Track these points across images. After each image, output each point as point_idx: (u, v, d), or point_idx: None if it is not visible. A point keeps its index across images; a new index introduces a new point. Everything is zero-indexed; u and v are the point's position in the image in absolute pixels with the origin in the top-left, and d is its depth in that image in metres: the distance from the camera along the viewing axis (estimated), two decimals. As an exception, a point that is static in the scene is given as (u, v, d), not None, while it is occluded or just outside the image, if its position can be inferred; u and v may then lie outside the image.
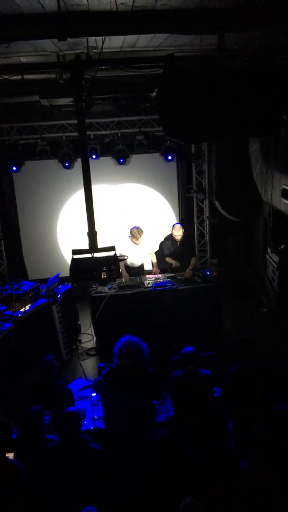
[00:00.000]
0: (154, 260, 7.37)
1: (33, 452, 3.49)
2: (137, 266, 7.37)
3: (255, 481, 3.10)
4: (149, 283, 6.85)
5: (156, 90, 6.49)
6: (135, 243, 7.03)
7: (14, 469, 3.24)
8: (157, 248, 7.54)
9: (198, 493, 2.89)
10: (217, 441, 4.01)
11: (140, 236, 6.96)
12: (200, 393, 4.03)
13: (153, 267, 7.37)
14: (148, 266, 7.62)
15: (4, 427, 3.36)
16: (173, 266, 7.26)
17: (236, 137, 5.92)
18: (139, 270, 7.39)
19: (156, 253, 7.46)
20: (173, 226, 7.22)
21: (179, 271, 7.17)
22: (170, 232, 7.26)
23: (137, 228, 7.00)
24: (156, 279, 6.99)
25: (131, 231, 7.00)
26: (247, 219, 8.55)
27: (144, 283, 6.86)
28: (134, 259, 7.20)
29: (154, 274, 7.22)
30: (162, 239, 7.50)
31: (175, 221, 8.68)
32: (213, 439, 3.96)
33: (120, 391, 3.79)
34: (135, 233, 6.95)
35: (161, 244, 7.51)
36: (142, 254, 7.25)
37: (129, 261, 7.09)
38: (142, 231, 7.00)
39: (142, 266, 7.49)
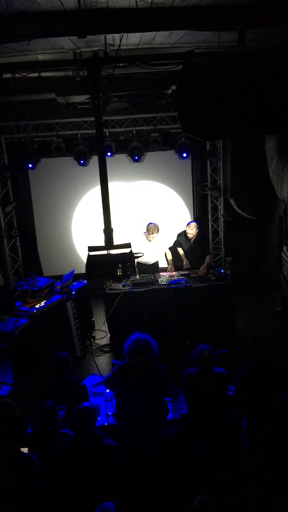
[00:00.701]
0: (170, 257, 7.37)
1: (46, 447, 3.53)
2: (151, 263, 7.37)
3: (266, 479, 3.09)
4: (163, 280, 6.85)
5: (173, 87, 6.47)
6: (148, 240, 7.03)
7: (28, 462, 3.28)
8: (171, 245, 7.54)
9: (209, 490, 2.89)
10: (229, 439, 4.00)
11: (155, 232, 6.97)
12: (214, 391, 4.02)
13: (168, 264, 7.36)
14: (162, 264, 7.62)
15: (19, 421, 3.40)
16: (184, 265, 7.27)
17: (255, 134, 5.86)
18: (153, 268, 7.39)
19: (171, 249, 7.46)
20: (188, 224, 7.21)
21: (192, 269, 7.17)
22: (185, 229, 7.25)
23: (154, 224, 7.01)
24: (170, 276, 6.99)
25: (147, 226, 7.01)
26: (262, 217, 8.49)
27: (158, 281, 6.86)
28: (147, 257, 7.21)
29: (169, 271, 7.22)
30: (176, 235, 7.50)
31: (190, 219, 8.65)
32: (225, 437, 3.95)
33: (129, 388, 3.80)
34: (150, 229, 6.96)
35: (175, 242, 7.50)
36: (155, 252, 7.26)
37: (142, 258, 7.11)
38: (158, 228, 7.01)
39: (156, 263, 7.49)
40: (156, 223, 7.04)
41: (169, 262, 7.35)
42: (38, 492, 3.22)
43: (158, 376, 3.88)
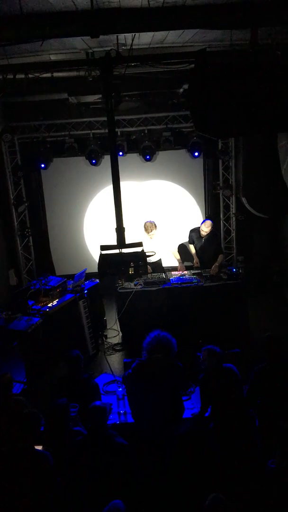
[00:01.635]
0: (178, 257, 7.36)
1: (59, 444, 3.56)
2: (154, 261, 7.34)
3: (285, 478, 3.07)
4: (174, 279, 6.85)
5: (185, 86, 6.47)
6: (150, 238, 7.01)
7: (42, 459, 3.31)
8: (179, 243, 7.51)
9: (222, 488, 2.89)
10: (245, 437, 3.99)
11: (152, 230, 6.95)
12: (227, 387, 4.01)
13: (178, 263, 7.35)
14: (166, 263, 7.62)
15: (33, 418, 3.43)
16: (194, 263, 7.25)
17: (267, 132, 5.82)
18: (157, 266, 7.38)
19: (180, 247, 7.44)
20: (204, 221, 7.19)
21: (202, 268, 7.16)
22: (199, 226, 7.23)
23: (151, 222, 7.00)
24: (181, 275, 6.99)
25: (144, 224, 7.01)
26: (274, 215, 8.43)
27: (169, 279, 6.86)
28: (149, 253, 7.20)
29: (179, 270, 7.21)
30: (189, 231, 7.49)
31: (202, 218, 8.62)
32: (241, 434, 3.94)
33: (149, 384, 3.81)
34: (148, 227, 6.95)
35: (188, 238, 7.48)
36: (157, 249, 7.22)
37: None
38: (155, 225, 7.00)
39: (159, 261, 7.48)
40: (152, 221, 7.03)
41: (178, 261, 7.34)
42: (52, 489, 3.25)
43: (177, 373, 3.89)
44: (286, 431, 3.14)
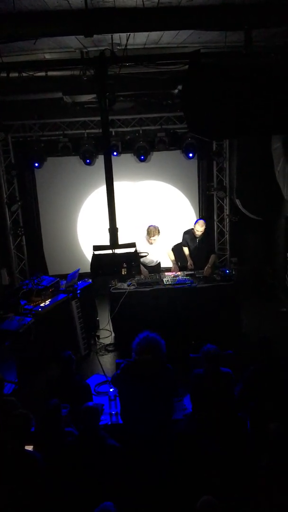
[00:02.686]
0: (172, 258, 7.35)
1: (51, 445, 3.54)
2: (153, 264, 7.35)
3: (273, 480, 3.08)
4: (168, 280, 6.85)
5: (179, 87, 6.46)
6: (150, 243, 6.98)
7: (32, 460, 3.29)
8: (174, 244, 7.51)
9: (215, 490, 2.89)
10: (236, 439, 4.00)
11: (156, 234, 6.90)
12: (221, 391, 4.02)
13: (172, 264, 7.35)
14: (164, 265, 7.61)
15: (24, 419, 3.41)
16: (188, 265, 7.24)
17: (262, 134, 5.83)
18: (155, 269, 7.37)
19: (174, 248, 7.44)
20: (197, 221, 7.17)
21: (197, 269, 7.16)
22: (192, 227, 7.22)
23: (155, 227, 6.95)
24: (175, 276, 6.98)
25: (147, 228, 6.97)
26: (268, 217, 8.46)
27: (163, 280, 6.85)
28: (150, 259, 7.18)
29: (173, 271, 7.21)
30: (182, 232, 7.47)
31: (195, 219, 8.61)
32: (232, 437, 3.94)
33: (137, 385, 3.81)
34: (151, 231, 6.89)
35: (182, 240, 7.47)
36: (157, 253, 7.22)
37: (145, 259, 7.06)
38: (158, 231, 6.93)
39: (159, 264, 7.48)
40: (156, 225, 6.95)
41: (173, 262, 7.34)
42: (42, 490, 3.23)
43: (166, 375, 3.89)
44: (275, 433, 3.15)
